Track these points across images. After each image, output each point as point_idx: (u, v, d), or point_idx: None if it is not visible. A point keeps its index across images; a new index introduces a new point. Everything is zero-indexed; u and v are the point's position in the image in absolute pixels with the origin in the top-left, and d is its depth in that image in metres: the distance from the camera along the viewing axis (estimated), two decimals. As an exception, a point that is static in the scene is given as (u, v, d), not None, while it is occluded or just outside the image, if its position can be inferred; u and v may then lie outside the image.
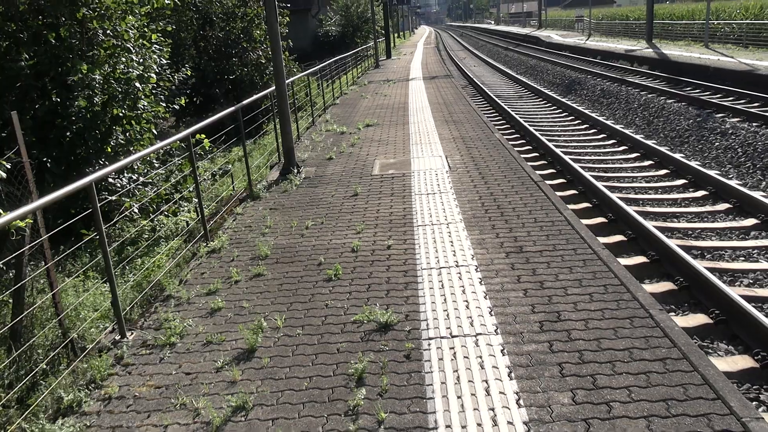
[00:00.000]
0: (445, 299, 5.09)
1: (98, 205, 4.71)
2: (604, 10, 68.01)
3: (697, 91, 18.44)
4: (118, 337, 4.98)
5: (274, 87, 10.43)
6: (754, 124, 13.12)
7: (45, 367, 4.66)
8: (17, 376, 4.69)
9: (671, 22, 37.93)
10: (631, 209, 8.34)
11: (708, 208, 8.96)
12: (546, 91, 21.43)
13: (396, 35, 66.97)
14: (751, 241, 7.70)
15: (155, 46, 10.87)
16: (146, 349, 4.77)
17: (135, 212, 9.21)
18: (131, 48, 10.04)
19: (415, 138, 11.84)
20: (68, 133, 9.30)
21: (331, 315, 5.00)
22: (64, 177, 9.45)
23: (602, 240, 7.20)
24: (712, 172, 10.06)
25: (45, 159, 9.11)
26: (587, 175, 10.12)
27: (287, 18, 19.54)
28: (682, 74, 21.69)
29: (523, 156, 11.03)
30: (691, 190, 9.84)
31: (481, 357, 4.22)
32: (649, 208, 9.04)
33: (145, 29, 10.70)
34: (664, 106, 16.15)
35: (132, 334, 5.04)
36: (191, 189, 9.66)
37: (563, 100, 18.99)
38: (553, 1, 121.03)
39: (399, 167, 9.69)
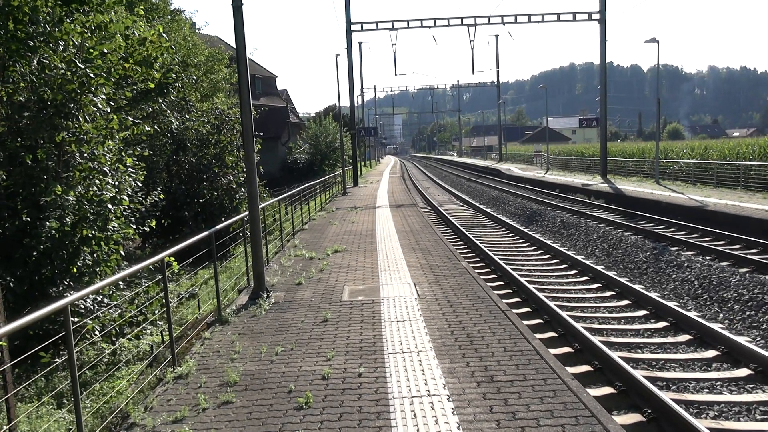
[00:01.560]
0: (418, 430, 5.03)
1: (72, 328, 4.63)
2: (560, 146, 71.99)
3: (652, 224, 19.30)
4: (77, 469, 4.74)
5: (246, 212, 10.63)
6: (708, 257, 13.69)
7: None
8: None
9: (624, 159, 40.21)
10: (596, 339, 8.49)
11: (670, 339, 9.16)
12: (509, 221, 22.14)
13: (363, 164, 69.21)
14: (713, 372, 7.85)
15: (130, 169, 11.08)
16: (106, 482, 4.55)
17: (96, 335, 9.00)
18: (107, 171, 10.22)
19: (384, 265, 12.02)
20: (35, 253, 9.22)
21: (302, 446, 4.88)
22: (26, 297, 9.27)
23: (570, 370, 7.26)
24: (671, 304, 10.36)
25: (8, 279, 8.96)
26: (552, 304, 10.33)
27: (259, 146, 20.18)
28: (637, 208, 22.75)
29: (489, 284, 11.23)
30: (652, 321, 10.08)
31: (456, 491, 4.14)
32: (613, 339, 9.21)
33: (122, 153, 10.96)
34: (622, 239, 16.80)
35: (91, 465, 4.81)
36: (159, 312, 9.53)
37: (526, 230, 19.61)
38: (513, 136, 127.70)
39: (368, 294, 9.77)
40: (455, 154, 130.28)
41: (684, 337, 9.11)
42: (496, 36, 67.07)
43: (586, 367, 7.91)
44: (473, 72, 42.02)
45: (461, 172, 62.70)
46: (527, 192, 33.30)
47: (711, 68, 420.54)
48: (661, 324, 9.78)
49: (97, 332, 8.98)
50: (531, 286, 11.65)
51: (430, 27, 36.10)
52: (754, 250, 14.31)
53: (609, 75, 36.93)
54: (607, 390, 7.22)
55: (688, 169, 30.81)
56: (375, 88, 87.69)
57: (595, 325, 9.88)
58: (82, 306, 9.41)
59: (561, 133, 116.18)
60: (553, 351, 7.87)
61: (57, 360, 7.88)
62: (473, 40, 38.43)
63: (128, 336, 9.21)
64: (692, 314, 9.86)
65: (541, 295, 10.99)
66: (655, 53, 28.70)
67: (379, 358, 6.77)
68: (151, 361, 7.34)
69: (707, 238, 16.28)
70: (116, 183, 10.39)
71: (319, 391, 5.94)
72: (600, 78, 36.26)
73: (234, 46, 9.90)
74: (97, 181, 10.05)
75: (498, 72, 69.90)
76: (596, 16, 34.64)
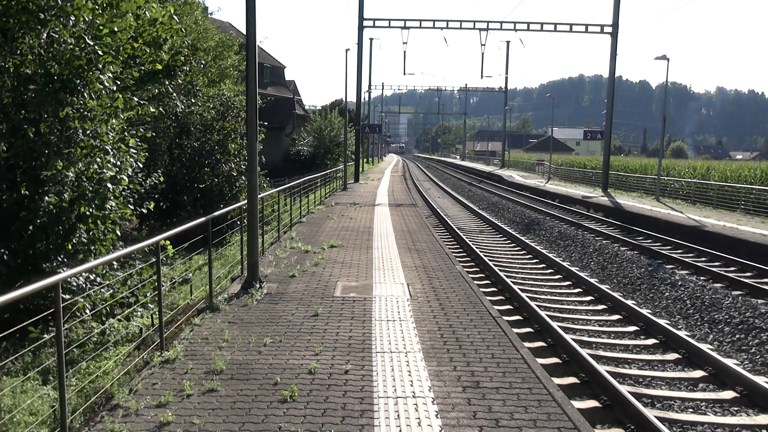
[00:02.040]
0: (400, 431, 5.03)
1: (62, 305, 4.63)
2: (563, 156, 71.97)
3: (649, 241, 19.31)
4: (57, 446, 4.74)
5: (245, 200, 10.62)
6: (702, 277, 13.70)
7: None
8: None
9: (625, 174, 40.21)
10: (584, 352, 8.49)
11: (658, 356, 9.17)
12: (506, 228, 22.14)
13: (365, 160, 69.15)
14: (699, 393, 7.86)
15: (132, 150, 11.05)
16: (86, 461, 4.55)
17: (87, 313, 8.98)
18: (109, 149, 10.19)
19: (378, 263, 12.02)
20: (31, 227, 9.20)
21: (284, 438, 4.88)
22: (18, 271, 9.26)
23: (556, 381, 7.26)
24: (662, 322, 10.37)
25: (2, 251, 8.94)
26: (543, 314, 10.34)
27: (262, 135, 20.15)
28: (635, 224, 22.76)
29: (482, 290, 11.23)
30: (642, 337, 10.09)
31: (434, 495, 4.14)
32: (601, 352, 9.22)
33: (125, 133, 10.93)
34: (618, 253, 16.81)
35: (72, 443, 4.81)
36: (150, 295, 9.52)
37: (522, 238, 19.61)
38: (517, 143, 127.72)
39: (361, 291, 9.77)
40: (458, 157, 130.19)
41: (672, 356, 9.12)
42: (507, 42, 66.96)
43: (572, 379, 7.92)
44: (482, 76, 42.03)
45: (463, 176, 62.68)
46: (527, 200, 33.30)
47: (719, 89, 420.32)
48: (651, 341, 9.79)
49: (87, 311, 8.96)
50: (523, 295, 11.66)
51: (442, 28, 36.10)
52: (748, 274, 14.32)
53: (617, 89, 36.94)
54: (592, 403, 7.23)
55: (689, 188, 30.83)
56: (383, 86, 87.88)
57: (585, 338, 9.89)
58: (75, 283, 9.39)
59: (565, 143, 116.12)
60: (540, 361, 7.88)
61: (45, 336, 7.88)
62: (484, 45, 38.46)
63: (118, 317, 9.20)
64: (682, 333, 9.86)
65: (533, 304, 11.00)
66: (665, 70, 28.73)
67: (366, 356, 6.77)
68: (140, 343, 7.33)
69: (703, 259, 16.29)
70: (117, 162, 10.36)
71: (304, 385, 5.94)
72: (608, 91, 36.22)
73: (245, 33, 9.88)
74: (98, 159, 10.02)
75: (506, 78, 69.91)
76: (608, 29, 34.62)
